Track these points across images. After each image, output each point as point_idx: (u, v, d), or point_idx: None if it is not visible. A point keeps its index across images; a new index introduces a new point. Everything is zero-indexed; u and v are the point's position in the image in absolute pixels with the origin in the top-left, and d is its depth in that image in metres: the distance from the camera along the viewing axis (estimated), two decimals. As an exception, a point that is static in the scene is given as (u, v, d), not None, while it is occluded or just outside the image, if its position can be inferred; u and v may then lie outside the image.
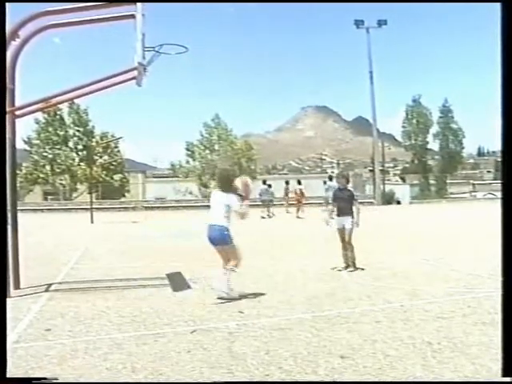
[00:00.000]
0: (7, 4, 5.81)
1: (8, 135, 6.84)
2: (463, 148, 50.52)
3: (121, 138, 42.63)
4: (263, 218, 23.32)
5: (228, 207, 6.42)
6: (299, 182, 25.80)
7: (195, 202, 37.03)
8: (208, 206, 6.80)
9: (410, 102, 48.92)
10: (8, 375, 3.58)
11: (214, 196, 6.70)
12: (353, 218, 8.35)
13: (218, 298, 6.26)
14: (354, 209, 8.39)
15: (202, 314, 5.65)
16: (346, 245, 8.36)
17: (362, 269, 8.34)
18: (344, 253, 8.42)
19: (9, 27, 6.68)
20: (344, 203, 8.44)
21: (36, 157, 40.32)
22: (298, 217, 22.86)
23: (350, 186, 8.81)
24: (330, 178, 24.09)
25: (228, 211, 6.43)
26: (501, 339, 3.30)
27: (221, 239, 6.39)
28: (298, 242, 13.34)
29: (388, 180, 50.43)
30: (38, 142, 40.60)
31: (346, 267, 8.34)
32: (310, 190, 29.32)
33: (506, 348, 3.17)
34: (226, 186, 6.57)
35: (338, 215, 8.46)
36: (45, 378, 3.60)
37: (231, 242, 6.42)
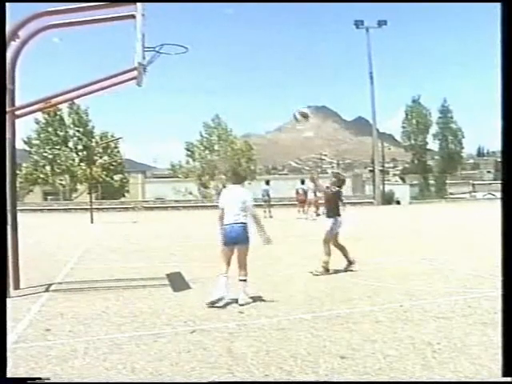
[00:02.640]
0: (7, 4, 5.82)
1: (8, 135, 6.83)
2: (463, 148, 50.54)
3: (120, 138, 42.58)
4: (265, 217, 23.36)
5: (245, 204, 6.29)
6: (302, 182, 25.49)
7: (195, 202, 37.06)
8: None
9: (409, 103, 48.95)
10: (8, 375, 3.58)
11: (229, 192, 6.47)
12: (335, 220, 8.21)
13: (241, 305, 6.00)
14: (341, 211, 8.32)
15: (201, 314, 5.65)
16: (322, 245, 8.23)
17: (331, 272, 8.19)
18: (342, 253, 8.39)
19: (9, 27, 6.68)
20: (331, 205, 8.35)
21: (36, 157, 40.31)
22: (298, 217, 22.63)
23: (344, 188, 8.63)
24: (302, 182, 24.44)
25: (245, 209, 6.30)
26: (501, 339, 3.30)
27: (244, 238, 6.20)
28: (298, 242, 13.33)
29: (388, 180, 50.42)
30: (37, 142, 40.58)
31: (347, 266, 8.31)
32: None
33: (506, 348, 3.17)
34: (240, 179, 6.58)
35: (327, 216, 8.42)
36: (39, 378, 3.60)
37: (249, 243, 6.28)
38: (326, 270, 8.12)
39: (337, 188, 8.43)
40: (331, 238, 8.24)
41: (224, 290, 6.05)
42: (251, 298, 6.25)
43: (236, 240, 6.21)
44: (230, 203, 6.31)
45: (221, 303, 6.02)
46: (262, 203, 25.08)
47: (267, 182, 26.03)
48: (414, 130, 48.06)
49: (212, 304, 5.98)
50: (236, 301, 6.12)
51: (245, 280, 6.24)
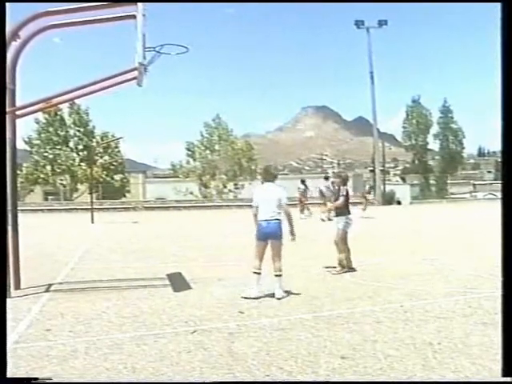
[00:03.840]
0: (7, 4, 5.81)
1: (8, 135, 6.83)
2: (463, 148, 50.44)
3: (121, 138, 42.60)
4: None
5: (280, 201, 6.47)
6: (302, 182, 25.22)
7: (196, 202, 37.06)
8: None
9: (409, 103, 48.89)
10: (8, 375, 3.58)
11: (264, 189, 6.62)
12: (347, 219, 8.33)
13: (278, 299, 6.32)
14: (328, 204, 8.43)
15: (202, 315, 5.65)
16: (336, 244, 8.31)
17: (354, 270, 8.25)
18: (346, 255, 8.39)
19: (9, 27, 6.68)
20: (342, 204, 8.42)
21: (36, 157, 40.33)
22: (301, 218, 22.45)
23: (347, 187, 8.73)
24: (302, 181, 24.43)
25: (280, 206, 6.47)
26: (499, 338, 3.30)
27: (277, 234, 6.46)
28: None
29: (388, 180, 50.38)
30: (38, 142, 40.60)
31: (350, 267, 8.31)
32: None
33: (505, 348, 3.17)
34: (272, 177, 6.76)
35: (335, 215, 8.50)
36: (36, 378, 3.59)
37: (282, 238, 6.53)
38: (342, 267, 8.21)
39: (344, 187, 8.53)
40: (344, 237, 8.31)
41: (257, 288, 6.40)
42: (285, 292, 6.52)
43: (270, 236, 6.47)
44: (265, 200, 6.49)
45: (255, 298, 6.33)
46: None
47: (326, 178, 24.36)
48: (415, 130, 47.98)
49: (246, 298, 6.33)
50: (272, 295, 6.42)
51: (280, 275, 6.52)
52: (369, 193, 25.88)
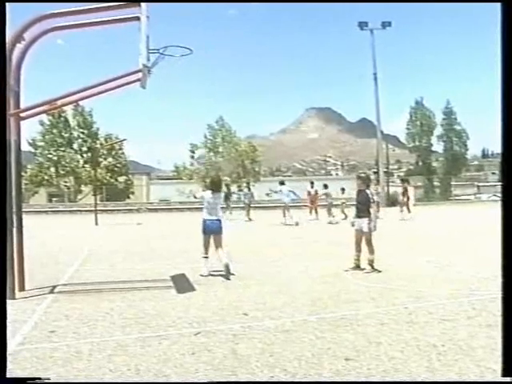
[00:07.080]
0: (9, 5, 5.84)
1: (13, 137, 6.86)
2: (467, 150, 50.45)
3: (125, 139, 42.83)
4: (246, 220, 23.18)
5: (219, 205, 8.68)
6: (312, 184, 25.10)
7: (199, 203, 37.07)
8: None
9: (413, 104, 48.85)
10: (12, 376, 3.59)
11: (210, 196, 8.52)
12: (370, 220, 8.40)
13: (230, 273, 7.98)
14: (372, 211, 8.43)
15: (206, 316, 5.65)
16: (366, 246, 8.42)
17: (379, 271, 8.33)
18: (356, 254, 8.52)
19: (13, 30, 6.71)
20: (361, 205, 8.51)
21: (41, 159, 40.56)
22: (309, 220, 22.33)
23: (372, 188, 8.78)
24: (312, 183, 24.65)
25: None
26: (501, 339, 3.29)
27: (220, 230, 8.51)
28: (301, 243, 13.31)
29: (392, 182, 50.35)
30: (42, 144, 40.83)
31: (355, 268, 8.40)
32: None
33: (505, 348, 3.16)
34: (220, 187, 8.84)
35: (357, 217, 8.57)
36: (39, 378, 3.60)
37: (222, 233, 8.54)
38: (372, 268, 8.36)
39: (365, 189, 8.56)
40: (370, 236, 8.44)
41: (207, 269, 8.38)
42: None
43: (214, 231, 8.52)
44: (217, 204, 8.63)
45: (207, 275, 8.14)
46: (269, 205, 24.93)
47: (282, 183, 22.79)
48: (419, 132, 47.98)
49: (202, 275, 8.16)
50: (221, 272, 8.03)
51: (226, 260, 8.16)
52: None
